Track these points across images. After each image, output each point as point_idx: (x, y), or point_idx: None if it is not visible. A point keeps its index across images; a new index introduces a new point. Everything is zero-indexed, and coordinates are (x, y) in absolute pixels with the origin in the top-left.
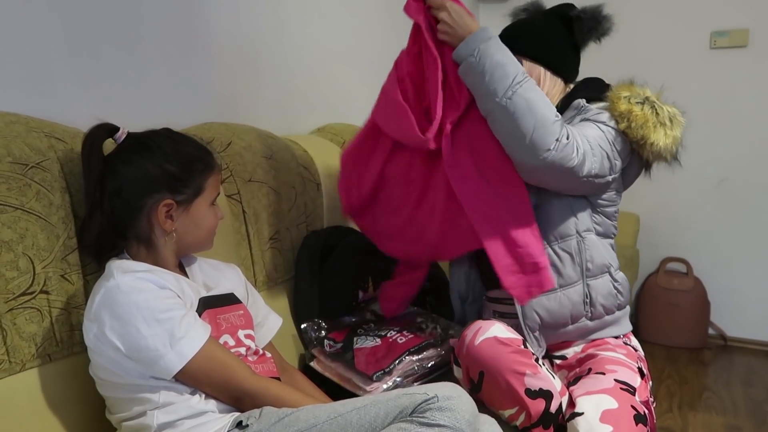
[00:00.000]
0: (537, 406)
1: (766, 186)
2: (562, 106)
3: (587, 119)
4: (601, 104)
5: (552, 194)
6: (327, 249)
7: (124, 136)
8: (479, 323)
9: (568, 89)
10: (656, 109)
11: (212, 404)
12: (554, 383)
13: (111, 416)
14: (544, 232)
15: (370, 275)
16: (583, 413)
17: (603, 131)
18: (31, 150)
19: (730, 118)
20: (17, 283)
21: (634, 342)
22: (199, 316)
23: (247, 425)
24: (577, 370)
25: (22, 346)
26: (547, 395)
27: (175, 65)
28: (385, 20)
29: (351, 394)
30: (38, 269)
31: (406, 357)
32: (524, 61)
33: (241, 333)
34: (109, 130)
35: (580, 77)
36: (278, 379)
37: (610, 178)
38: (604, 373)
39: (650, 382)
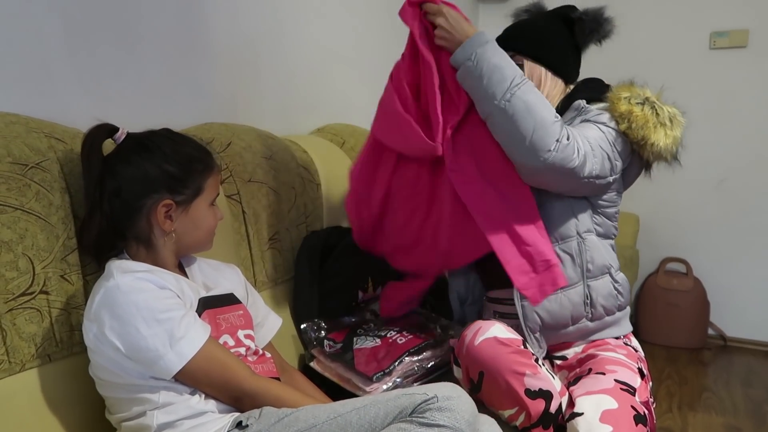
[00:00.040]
0: (537, 406)
1: (766, 186)
2: (563, 107)
3: (588, 120)
4: (602, 105)
5: (553, 195)
6: (327, 249)
7: (123, 137)
8: (479, 323)
9: (568, 90)
10: (656, 110)
11: (212, 404)
12: (554, 383)
13: (111, 416)
14: None
15: (370, 275)
16: (582, 413)
17: (603, 132)
18: (31, 150)
19: (730, 119)
20: (17, 283)
21: (635, 343)
22: (199, 316)
23: (247, 425)
24: (578, 370)
25: (21, 346)
26: (546, 395)
27: (175, 65)
28: (385, 20)
29: (351, 395)
30: (38, 269)
31: (406, 357)
32: (525, 61)
33: (240, 333)
34: (109, 130)
35: (579, 78)
36: (278, 379)
37: (611, 179)
38: (604, 373)
39: (650, 383)
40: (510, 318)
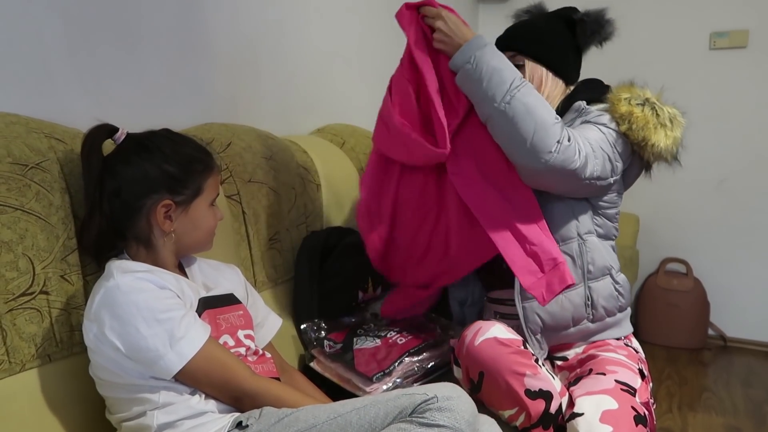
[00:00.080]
0: (537, 406)
1: (766, 186)
2: (563, 108)
3: (588, 121)
4: (602, 106)
5: (553, 197)
6: (327, 249)
7: (123, 137)
8: (479, 324)
9: (568, 91)
10: (657, 111)
11: (212, 404)
12: (554, 384)
13: (111, 416)
14: None
15: (369, 275)
16: (583, 413)
17: (604, 133)
18: (31, 151)
19: (730, 119)
20: (17, 283)
21: (635, 344)
22: (199, 316)
23: (247, 425)
24: (578, 370)
25: (21, 346)
26: (546, 396)
27: (175, 65)
28: (385, 20)
29: (351, 395)
30: (38, 270)
31: (406, 358)
32: (526, 61)
33: (240, 333)
34: (109, 130)
35: (580, 78)
36: (278, 379)
37: (611, 180)
38: (604, 374)
39: (651, 384)
40: (511, 319)
